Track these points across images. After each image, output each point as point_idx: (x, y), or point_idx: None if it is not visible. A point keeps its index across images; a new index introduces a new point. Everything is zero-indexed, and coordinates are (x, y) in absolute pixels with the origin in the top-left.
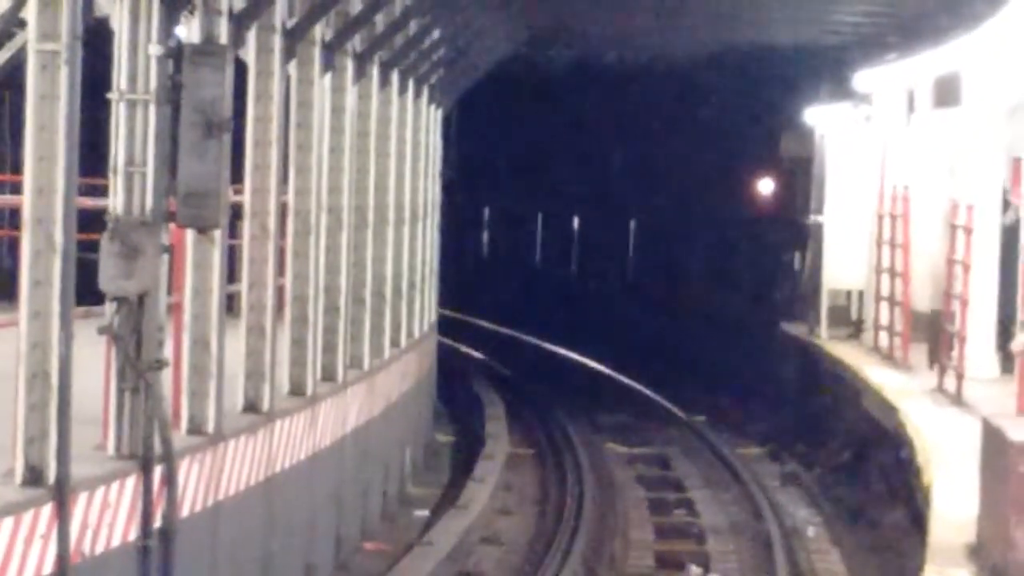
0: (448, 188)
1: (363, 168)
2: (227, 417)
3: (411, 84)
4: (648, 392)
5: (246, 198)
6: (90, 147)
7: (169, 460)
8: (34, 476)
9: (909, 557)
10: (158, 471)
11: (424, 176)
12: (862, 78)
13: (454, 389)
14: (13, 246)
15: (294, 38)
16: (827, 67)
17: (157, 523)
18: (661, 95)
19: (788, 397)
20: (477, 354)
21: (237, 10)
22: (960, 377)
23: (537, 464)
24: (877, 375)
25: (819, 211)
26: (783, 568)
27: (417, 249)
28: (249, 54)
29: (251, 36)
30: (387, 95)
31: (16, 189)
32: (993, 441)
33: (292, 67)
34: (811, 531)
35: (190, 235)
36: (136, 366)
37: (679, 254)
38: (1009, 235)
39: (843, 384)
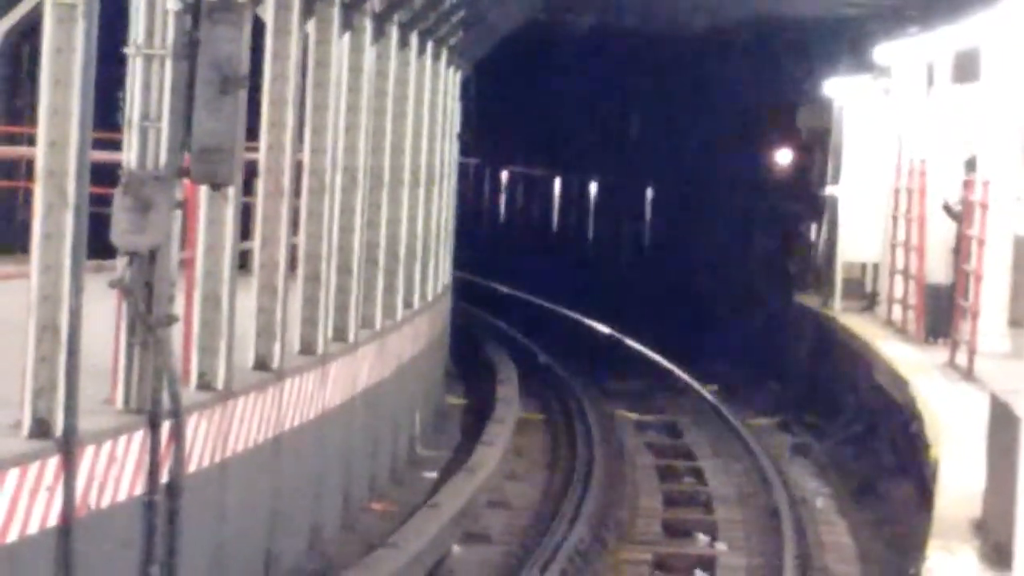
0: (466, 151)
1: (379, 129)
2: (237, 374)
3: (430, 46)
4: (660, 360)
5: (261, 155)
6: (105, 101)
7: (177, 415)
8: (41, 428)
9: (916, 531)
10: (166, 426)
11: (441, 138)
12: (882, 51)
13: (467, 352)
14: (29, 198)
15: None
16: (847, 39)
17: (164, 478)
18: (679, 63)
19: (801, 369)
20: (491, 317)
21: None
22: (972, 352)
23: (547, 429)
24: (889, 348)
25: (836, 183)
26: (790, 539)
27: (432, 211)
28: (267, 12)
29: None
30: (405, 56)
31: (33, 141)
32: (1001, 416)
33: (310, 26)
34: (819, 502)
35: (204, 191)
36: (146, 321)
37: (695, 223)
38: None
39: (855, 357)
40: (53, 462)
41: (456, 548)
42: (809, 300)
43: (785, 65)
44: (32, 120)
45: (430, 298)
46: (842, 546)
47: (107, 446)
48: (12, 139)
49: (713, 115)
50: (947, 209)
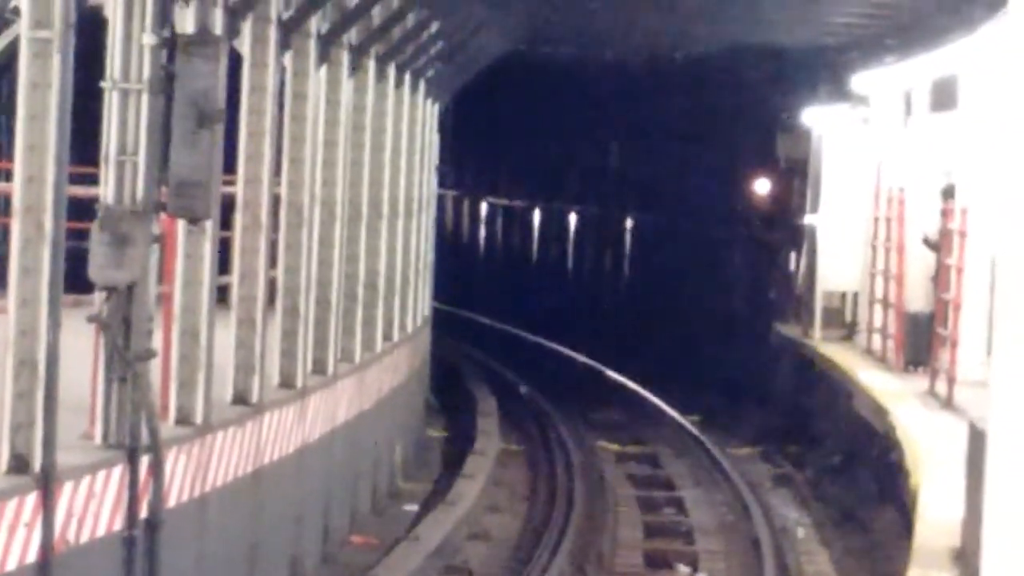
0: (445, 183)
1: (358, 161)
2: (215, 408)
3: (407, 78)
4: (641, 390)
5: (239, 189)
6: (82, 136)
7: (156, 450)
8: (19, 464)
9: (897, 560)
10: (145, 461)
11: (419, 170)
12: (860, 80)
13: (447, 384)
14: (6, 234)
15: (290, 30)
16: (825, 68)
17: (143, 513)
18: (659, 94)
19: (781, 398)
20: (471, 349)
21: (233, 1)
22: (951, 380)
23: (528, 461)
24: (869, 377)
25: (815, 212)
26: (771, 568)
27: (411, 243)
28: (244, 45)
29: (246, 27)
30: (383, 88)
31: (11, 177)
32: (979, 445)
33: (287, 59)
34: (801, 532)
35: (181, 226)
36: (124, 356)
37: (675, 252)
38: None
39: (835, 386)
40: (31, 498)
41: None
42: (789, 329)
43: (764, 94)
44: (10, 156)
45: (409, 330)
46: (824, 575)
47: (86, 481)
48: None
49: (692, 145)
50: (926, 242)
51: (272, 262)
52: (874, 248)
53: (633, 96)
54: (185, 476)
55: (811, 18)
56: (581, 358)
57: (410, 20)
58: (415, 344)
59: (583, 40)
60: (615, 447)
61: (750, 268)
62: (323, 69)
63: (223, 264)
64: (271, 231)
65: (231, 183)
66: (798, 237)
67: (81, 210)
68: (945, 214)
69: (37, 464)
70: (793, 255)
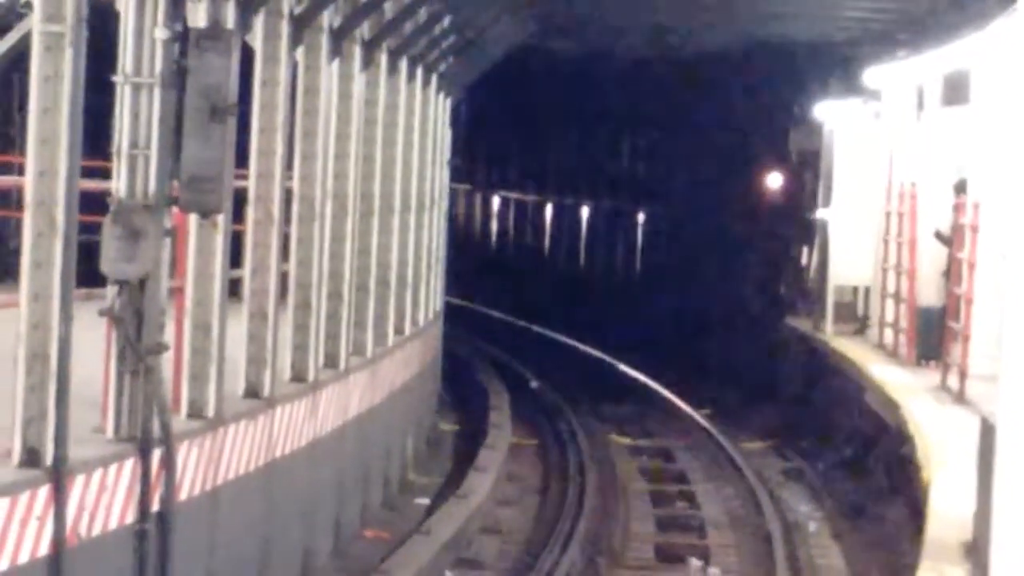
0: (457, 177)
1: (370, 155)
2: (227, 402)
3: (420, 72)
4: (653, 384)
5: (251, 183)
6: (94, 130)
7: (168, 444)
8: (32, 457)
9: (908, 553)
10: (157, 455)
11: (432, 165)
12: (872, 74)
13: (458, 377)
14: (21, 227)
15: (302, 24)
16: (837, 63)
17: (155, 507)
18: (670, 88)
19: (793, 392)
20: (483, 343)
21: None
22: (963, 375)
23: (540, 454)
24: (881, 371)
25: (826, 206)
26: (783, 563)
27: (423, 237)
28: (256, 39)
29: (258, 21)
30: (395, 83)
31: (23, 171)
32: (990, 438)
33: (299, 53)
34: (812, 526)
35: (193, 219)
36: (136, 349)
37: (686, 246)
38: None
39: (847, 380)
40: (43, 491)
41: (448, 574)
42: (801, 323)
43: (776, 89)
44: (23, 149)
45: (421, 324)
46: (835, 570)
47: (98, 475)
48: (5, 168)
49: (704, 139)
50: (938, 236)
51: (284, 256)
52: (886, 242)
53: (644, 90)
54: (197, 469)
55: (823, 12)
56: (592, 351)
57: (422, 14)
58: (427, 338)
59: (594, 34)
60: (626, 441)
61: (761, 262)
62: (335, 63)
63: (235, 258)
64: (283, 225)
65: (243, 177)
66: (810, 231)
67: (93, 204)
68: (957, 209)
69: (49, 457)
70: (805, 249)
